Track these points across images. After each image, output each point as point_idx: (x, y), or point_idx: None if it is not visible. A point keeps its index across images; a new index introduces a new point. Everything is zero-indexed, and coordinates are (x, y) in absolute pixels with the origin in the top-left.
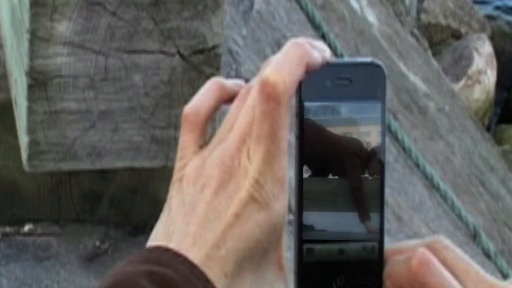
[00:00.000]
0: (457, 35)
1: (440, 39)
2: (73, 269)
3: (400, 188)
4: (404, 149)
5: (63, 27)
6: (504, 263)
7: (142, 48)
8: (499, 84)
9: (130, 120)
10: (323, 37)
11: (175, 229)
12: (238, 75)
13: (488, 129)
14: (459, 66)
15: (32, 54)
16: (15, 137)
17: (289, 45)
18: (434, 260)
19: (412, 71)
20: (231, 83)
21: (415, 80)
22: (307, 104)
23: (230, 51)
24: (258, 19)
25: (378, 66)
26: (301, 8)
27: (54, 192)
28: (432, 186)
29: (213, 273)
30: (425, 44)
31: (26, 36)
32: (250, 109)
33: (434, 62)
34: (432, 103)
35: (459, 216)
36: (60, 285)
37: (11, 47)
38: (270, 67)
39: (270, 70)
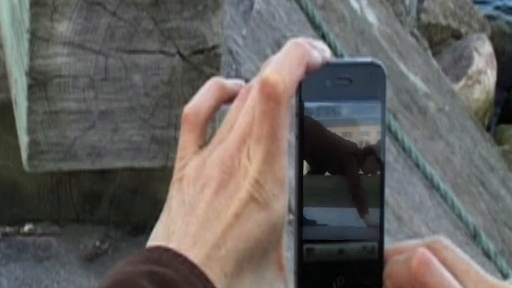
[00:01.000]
0: (457, 35)
1: (440, 39)
2: (73, 269)
3: (400, 188)
4: (404, 149)
5: (63, 27)
6: (504, 263)
7: (142, 48)
8: (499, 84)
9: (130, 120)
10: (323, 37)
11: (175, 229)
12: (238, 75)
13: (488, 129)
14: (459, 66)
15: (32, 54)
16: (15, 137)
17: (289, 45)
18: (434, 260)
19: (412, 71)
20: (231, 83)
21: (415, 80)
22: (307, 104)
23: (230, 51)
24: (258, 19)
25: (378, 66)
26: (301, 8)
27: (54, 192)
28: (432, 186)
29: (213, 273)
30: (425, 44)
31: (26, 36)
32: (250, 109)
33: (434, 62)
34: (432, 103)
35: (459, 216)
36: (60, 285)
37: (11, 47)
38: (270, 67)
39: (270, 70)
